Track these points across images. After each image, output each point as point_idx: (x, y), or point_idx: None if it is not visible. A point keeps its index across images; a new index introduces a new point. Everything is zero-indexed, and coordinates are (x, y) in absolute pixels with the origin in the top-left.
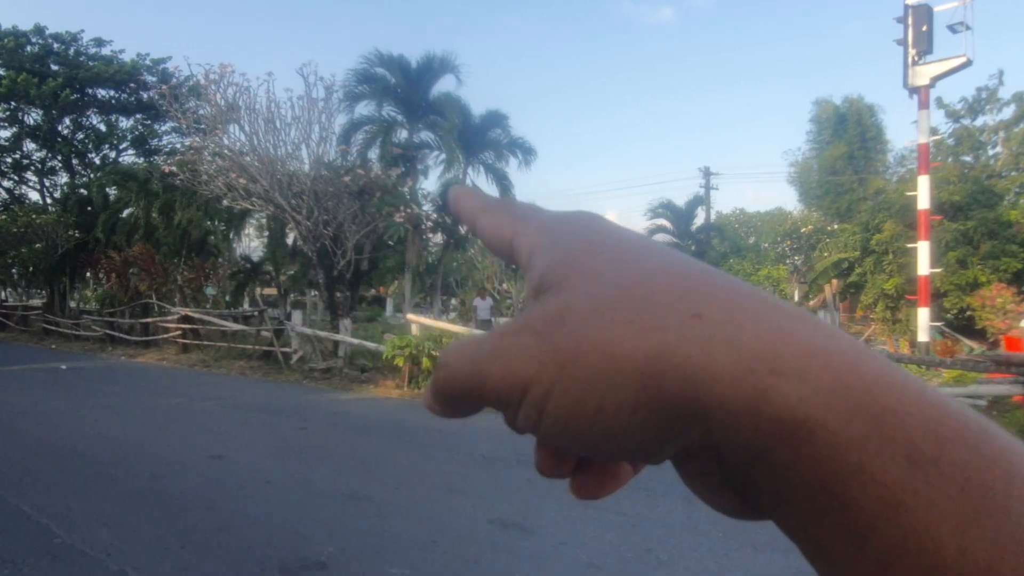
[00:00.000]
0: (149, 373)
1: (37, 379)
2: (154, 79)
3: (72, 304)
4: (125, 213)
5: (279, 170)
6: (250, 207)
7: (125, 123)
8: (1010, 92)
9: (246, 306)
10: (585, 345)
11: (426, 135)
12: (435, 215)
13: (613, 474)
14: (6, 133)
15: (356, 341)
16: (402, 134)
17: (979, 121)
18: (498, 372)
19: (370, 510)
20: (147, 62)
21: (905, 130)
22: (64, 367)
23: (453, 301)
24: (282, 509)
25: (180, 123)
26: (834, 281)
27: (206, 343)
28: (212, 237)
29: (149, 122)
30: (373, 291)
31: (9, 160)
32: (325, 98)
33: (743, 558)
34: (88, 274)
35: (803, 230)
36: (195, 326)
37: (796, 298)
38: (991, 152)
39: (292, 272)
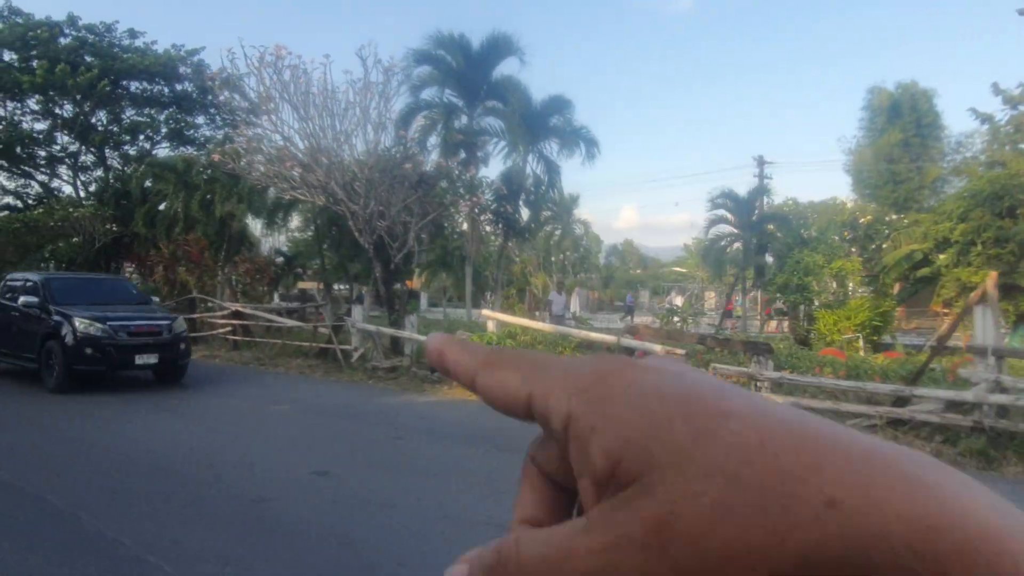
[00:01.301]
0: (205, 372)
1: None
2: (188, 70)
3: None
4: (162, 206)
5: (336, 158)
6: (302, 197)
7: (160, 116)
8: None
9: (276, 300)
10: (712, 560)
11: (487, 121)
12: (495, 205)
13: None
14: (40, 126)
15: (425, 338)
16: (462, 119)
17: None
18: None
19: None
20: (181, 53)
21: (962, 116)
22: None
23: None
24: (429, 545)
25: (230, 109)
26: (993, 273)
27: (259, 340)
28: (248, 229)
29: (182, 115)
30: (398, 285)
31: (43, 154)
32: (384, 81)
33: None
34: (123, 268)
35: (861, 220)
36: (246, 322)
37: (860, 290)
38: None
39: (324, 265)
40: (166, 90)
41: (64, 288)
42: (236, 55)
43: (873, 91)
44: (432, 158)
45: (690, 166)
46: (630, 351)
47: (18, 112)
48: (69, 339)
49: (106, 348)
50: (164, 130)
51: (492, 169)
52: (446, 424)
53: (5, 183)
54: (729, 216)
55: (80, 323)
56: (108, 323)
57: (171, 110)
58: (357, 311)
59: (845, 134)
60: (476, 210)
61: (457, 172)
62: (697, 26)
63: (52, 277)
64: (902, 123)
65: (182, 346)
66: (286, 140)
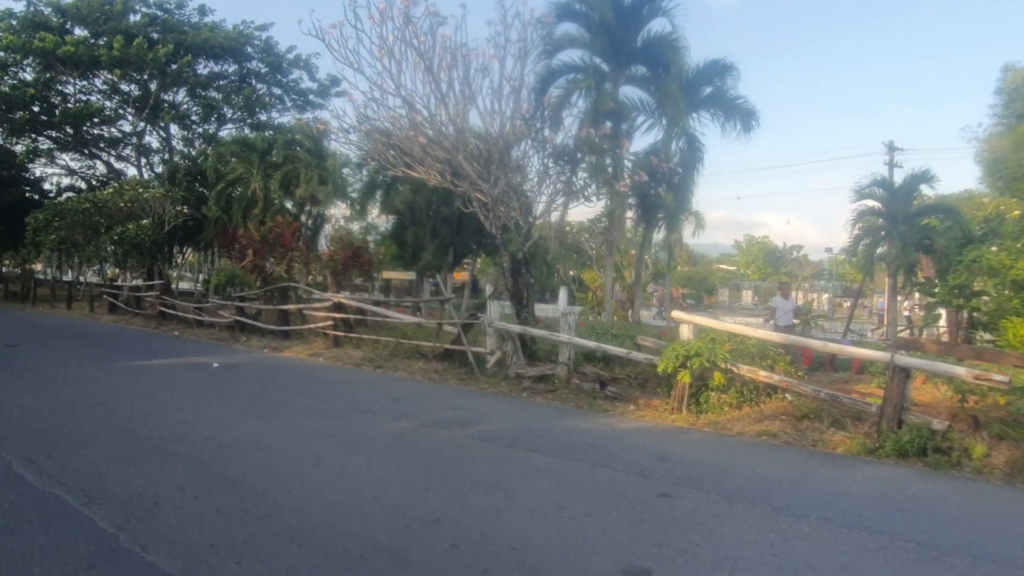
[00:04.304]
0: (319, 375)
1: (195, 383)
2: (258, 47)
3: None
4: (238, 187)
5: (466, 127)
6: (415, 175)
7: (233, 96)
8: None
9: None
10: None
11: (624, 91)
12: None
13: None
14: (110, 104)
15: (594, 344)
16: (606, 87)
17: None
18: None
19: None
20: (250, 30)
21: None
22: (216, 364)
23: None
24: None
25: (350, 66)
26: None
27: (366, 336)
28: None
29: (253, 93)
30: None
31: (107, 135)
32: (522, 39)
33: None
34: (188, 251)
35: (1009, 216)
36: (348, 316)
37: None
38: None
39: (386, 251)
40: (231, 68)
41: None
42: (359, 3)
43: (1008, 70)
44: (572, 131)
45: (726, 162)
46: (907, 374)
47: (85, 91)
48: None
49: None
50: (234, 111)
51: (634, 145)
52: (695, 467)
53: (71, 164)
54: (880, 207)
55: None
56: None
57: (247, 86)
58: (494, 307)
59: (969, 123)
60: (628, 191)
61: (605, 146)
62: (746, 17)
63: None
64: None
65: None
66: (406, 104)
